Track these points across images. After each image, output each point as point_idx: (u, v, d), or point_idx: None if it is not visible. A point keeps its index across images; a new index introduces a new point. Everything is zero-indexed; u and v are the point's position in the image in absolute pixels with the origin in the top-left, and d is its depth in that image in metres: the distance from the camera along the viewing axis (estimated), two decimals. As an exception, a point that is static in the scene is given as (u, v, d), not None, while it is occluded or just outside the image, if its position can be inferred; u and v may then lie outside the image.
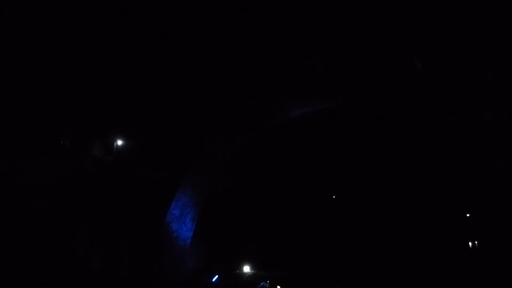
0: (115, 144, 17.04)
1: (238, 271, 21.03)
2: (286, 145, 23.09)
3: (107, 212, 16.39)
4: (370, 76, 14.71)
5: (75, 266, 15.18)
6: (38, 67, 15.74)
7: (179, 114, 16.79)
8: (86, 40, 16.19)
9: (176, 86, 16.63)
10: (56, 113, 16.47)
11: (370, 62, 14.13)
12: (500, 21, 12.15)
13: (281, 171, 23.54)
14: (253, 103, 16.55)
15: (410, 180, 22.40)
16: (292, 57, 14.96)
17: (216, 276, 20.12)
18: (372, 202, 23.31)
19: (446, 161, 19.93)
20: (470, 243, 20.64)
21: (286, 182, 23.65)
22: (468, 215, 21.35)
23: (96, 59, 16.50)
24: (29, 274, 14.12)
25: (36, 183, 15.18)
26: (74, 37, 16.09)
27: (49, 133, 16.12)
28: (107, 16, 15.97)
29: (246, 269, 21.00)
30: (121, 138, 17.16)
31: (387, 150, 22.56)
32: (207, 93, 16.31)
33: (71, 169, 16.05)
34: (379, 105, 17.67)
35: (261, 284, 20.02)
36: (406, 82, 14.11)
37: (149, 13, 15.96)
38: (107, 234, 16.25)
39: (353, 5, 13.59)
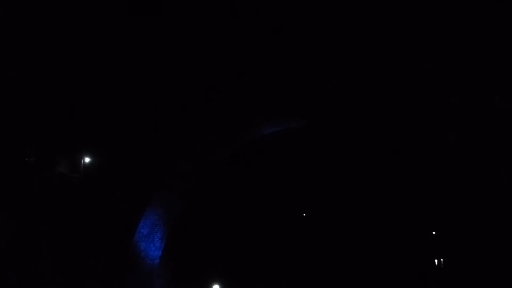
0: (82, 161, 16.70)
1: (207, 290, 20.80)
2: (256, 163, 23.17)
3: (73, 231, 15.95)
4: (339, 96, 15.01)
5: (39, 286, 14.65)
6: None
7: (149, 132, 16.63)
8: (52, 56, 15.92)
9: (145, 104, 16.50)
10: (20, 128, 16.01)
11: (339, 82, 14.43)
12: (461, 46, 12.65)
13: (252, 189, 23.54)
14: (224, 122, 16.57)
15: (378, 199, 22.78)
16: (263, 77, 15.12)
17: (185, 296, 19.84)
18: (341, 221, 23.55)
19: (413, 180, 20.39)
20: (436, 261, 21.06)
21: (257, 200, 23.65)
22: (434, 233, 21.82)
23: (62, 75, 16.22)
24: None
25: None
26: (40, 52, 15.80)
27: (12, 149, 15.64)
28: (70, 29, 15.78)
29: (216, 288, 20.80)
30: (89, 156, 16.83)
31: (356, 169, 22.92)
32: (177, 111, 16.24)
33: (36, 186, 15.61)
34: (347, 125, 18.00)
35: (231, 303, 19.82)
36: (372, 102, 14.46)
37: (114, 26, 15.87)
38: (73, 254, 15.78)
39: (322, 28, 13.89)
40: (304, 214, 25.37)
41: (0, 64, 15.46)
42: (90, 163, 16.80)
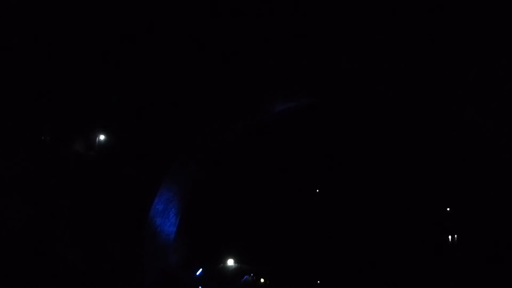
0: (97, 139, 16.88)
1: (222, 264, 21.14)
2: (270, 140, 23.15)
3: (89, 208, 16.28)
4: (353, 72, 14.80)
5: (56, 263, 15.08)
6: (15, 63, 15.46)
7: (163, 109, 16.70)
8: (64, 36, 15.95)
9: (158, 82, 16.50)
10: (36, 108, 16.20)
11: (352, 58, 14.22)
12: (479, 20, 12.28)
13: (265, 166, 23.62)
14: (237, 98, 16.54)
15: (392, 175, 22.67)
16: (277, 53, 14.97)
17: (200, 270, 20.23)
18: (354, 197, 23.55)
19: (427, 157, 20.20)
20: (449, 237, 21.04)
21: (270, 177, 23.75)
22: (448, 209, 21.72)
23: (76, 54, 16.26)
24: (8, 274, 13.96)
25: (15, 180, 15.00)
26: (54, 33, 15.84)
27: (29, 128, 15.87)
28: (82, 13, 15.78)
29: (230, 262, 21.12)
30: (103, 134, 17.00)
31: (369, 145, 22.76)
32: (190, 89, 16.22)
33: (52, 165, 15.89)
34: (361, 101, 17.81)
35: (245, 277, 20.18)
36: (387, 79, 14.23)
37: (128, 7, 15.78)
38: (90, 230, 16.16)
39: (336, 7, 13.62)
40: (317, 190, 25.46)
41: (16, 45, 15.56)
42: (105, 141, 16.97)
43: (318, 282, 19.63)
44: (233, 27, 15.23)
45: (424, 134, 16.39)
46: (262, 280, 20.24)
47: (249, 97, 16.65)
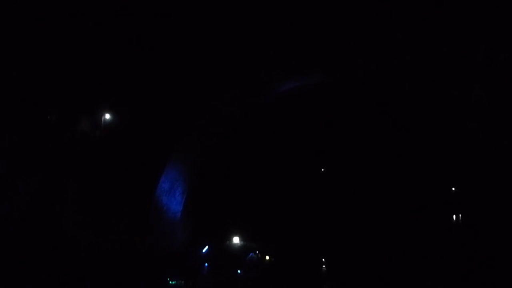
0: (103, 118, 16.94)
1: (227, 242, 21.39)
2: (276, 119, 23.06)
3: (96, 187, 16.46)
4: (361, 51, 14.64)
5: (65, 242, 15.33)
6: (22, 42, 15.44)
7: (168, 88, 16.68)
8: (70, 18, 15.87)
9: (164, 62, 16.44)
10: (41, 87, 16.23)
11: (361, 37, 14.06)
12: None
13: (270, 145, 23.59)
14: (243, 78, 16.48)
15: (397, 154, 22.60)
16: (283, 31, 14.82)
17: (206, 247, 20.47)
18: (360, 176, 23.55)
19: (433, 137, 20.06)
20: (454, 217, 21.05)
21: (276, 156, 23.77)
22: (453, 189, 21.67)
23: (82, 35, 16.20)
24: (17, 253, 14.23)
25: (22, 160, 15.15)
26: (59, 16, 15.77)
27: (35, 107, 15.93)
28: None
29: (236, 240, 21.35)
30: (109, 113, 17.04)
31: (375, 125, 22.64)
32: (195, 67, 16.16)
33: (58, 144, 16.01)
34: (368, 82, 17.69)
35: (250, 254, 20.42)
36: (395, 59, 14.07)
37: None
38: (97, 209, 16.37)
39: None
40: (322, 169, 25.50)
41: (23, 27, 15.52)
42: (111, 120, 17.02)
43: (323, 260, 19.82)
44: (239, 6, 15.09)
45: (431, 114, 16.27)
46: (267, 257, 20.48)
47: (255, 75, 16.58)
